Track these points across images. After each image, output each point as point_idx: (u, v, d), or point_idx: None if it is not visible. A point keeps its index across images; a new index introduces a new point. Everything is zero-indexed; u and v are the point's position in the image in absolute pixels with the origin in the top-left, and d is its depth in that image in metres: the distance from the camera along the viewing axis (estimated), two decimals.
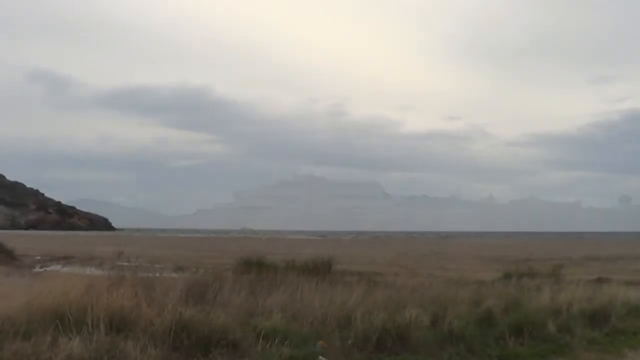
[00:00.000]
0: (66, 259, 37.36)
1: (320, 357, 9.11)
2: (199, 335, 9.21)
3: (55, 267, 30.49)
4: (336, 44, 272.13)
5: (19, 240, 52.89)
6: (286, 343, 9.39)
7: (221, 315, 9.76)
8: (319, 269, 18.22)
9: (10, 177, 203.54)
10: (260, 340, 9.30)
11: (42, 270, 28.87)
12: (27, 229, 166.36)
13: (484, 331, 11.38)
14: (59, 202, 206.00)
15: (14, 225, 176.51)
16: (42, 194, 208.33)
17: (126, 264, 13.02)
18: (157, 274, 12.25)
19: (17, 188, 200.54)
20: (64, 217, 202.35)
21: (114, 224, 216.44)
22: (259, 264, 19.51)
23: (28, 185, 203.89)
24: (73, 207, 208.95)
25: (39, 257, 39.55)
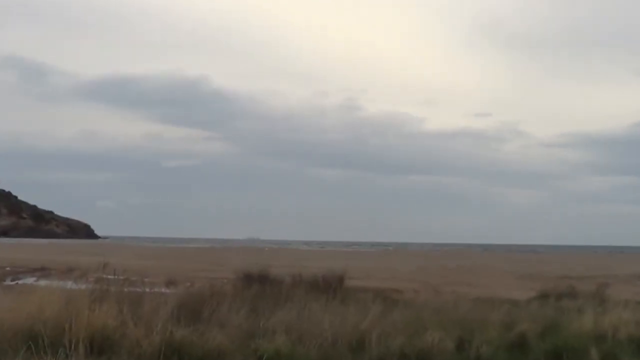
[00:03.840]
0: (42, 271, 37.60)
1: None
2: (192, 358, 9.15)
3: (29, 280, 30.64)
4: (350, 31, 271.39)
5: None
6: None
7: (218, 335, 9.74)
8: (330, 285, 18.18)
9: None
10: None
11: (13, 283, 28.97)
12: None
13: (516, 358, 11.27)
14: (35, 206, 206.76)
15: None
16: (15, 197, 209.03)
17: (111, 277, 13.02)
18: (146, 289, 12.20)
19: None
20: (40, 222, 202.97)
21: (98, 231, 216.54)
22: (261, 278, 19.50)
23: None
24: (50, 212, 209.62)
25: (10, 268, 39.74)
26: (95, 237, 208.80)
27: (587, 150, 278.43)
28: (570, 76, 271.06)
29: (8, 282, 29.29)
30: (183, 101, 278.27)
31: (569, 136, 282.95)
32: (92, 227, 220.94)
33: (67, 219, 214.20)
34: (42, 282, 23.49)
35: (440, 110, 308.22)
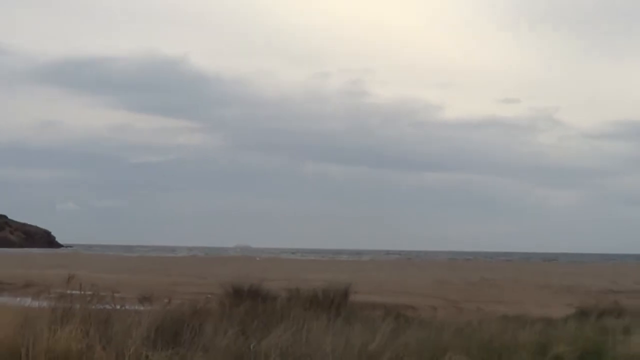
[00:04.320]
0: None
1: None
2: None
3: None
4: (354, 1, 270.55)
5: None
6: None
7: None
8: (332, 301, 18.24)
9: None
10: None
11: None
12: None
13: None
14: None
15: None
16: None
17: (75, 292, 13.07)
18: (117, 306, 12.26)
19: None
20: None
21: (59, 239, 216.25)
22: (252, 293, 19.55)
23: None
24: (3, 216, 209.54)
25: None
26: (57, 245, 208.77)
27: (638, 142, 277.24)
28: (619, 55, 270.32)
29: None
30: (157, 85, 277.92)
31: (616, 125, 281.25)
32: (53, 234, 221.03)
33: (23, 225, 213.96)
34: None
35: (461, 95, 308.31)
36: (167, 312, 12.61)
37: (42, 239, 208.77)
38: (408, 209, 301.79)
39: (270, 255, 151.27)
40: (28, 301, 17.68)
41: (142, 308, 16.06)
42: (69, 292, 13.67)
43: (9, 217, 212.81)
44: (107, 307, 12.26)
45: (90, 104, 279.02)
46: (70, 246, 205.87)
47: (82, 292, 13.07)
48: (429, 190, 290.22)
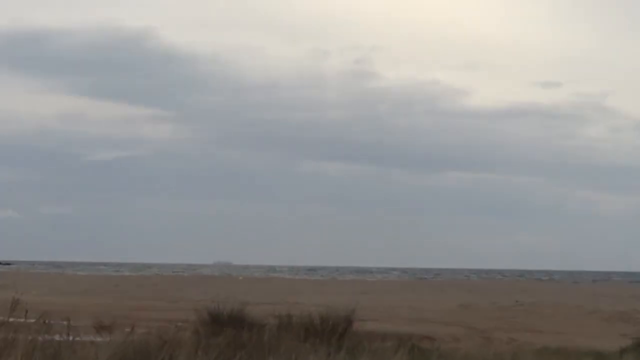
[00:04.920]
0: None
1: None
2: None
3: None
4: None
5: None
6: None
7: None
8: (332, 329, 18.24)
9: None
10: None
11: None
12: None
13: None
14: None
15: None
16: None
17: (18, 320, 13.08)
18: (69, 337, 12.22)
19: None
20: None
21: None
22: (234, 320, 19.55)
23: None
24: None
25: None
26: None
27: None
28: None
29: None
30: (118, 65, 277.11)
31: None
32: None
33: None
34: None
35: (489, 78, 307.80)
36: (130, 344, 12.59)
37: None
38: (424, 216, 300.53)
39: (256, 273, 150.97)
40: None
41: (99, 339, 16.05)
42: (10, 320, 13.65)
43: None
44: (57, 338, 12.24)
45: (35, 88, 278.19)
46: (9, 263, 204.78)
47: (26, 320, 13.06)
48: (449, 194, 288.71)
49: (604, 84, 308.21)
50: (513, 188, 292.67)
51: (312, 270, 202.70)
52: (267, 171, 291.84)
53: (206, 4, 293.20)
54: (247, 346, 13.82)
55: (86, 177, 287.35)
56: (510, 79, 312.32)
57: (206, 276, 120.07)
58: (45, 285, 65.98)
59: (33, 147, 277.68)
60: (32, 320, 13.21)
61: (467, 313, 45.01)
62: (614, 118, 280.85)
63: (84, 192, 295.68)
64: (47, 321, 15.04)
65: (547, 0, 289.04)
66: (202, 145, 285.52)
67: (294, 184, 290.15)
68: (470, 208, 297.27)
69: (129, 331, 19.30)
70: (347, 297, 50.13)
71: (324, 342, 14.78)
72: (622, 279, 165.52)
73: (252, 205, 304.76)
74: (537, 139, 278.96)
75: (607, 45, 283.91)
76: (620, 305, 53.34)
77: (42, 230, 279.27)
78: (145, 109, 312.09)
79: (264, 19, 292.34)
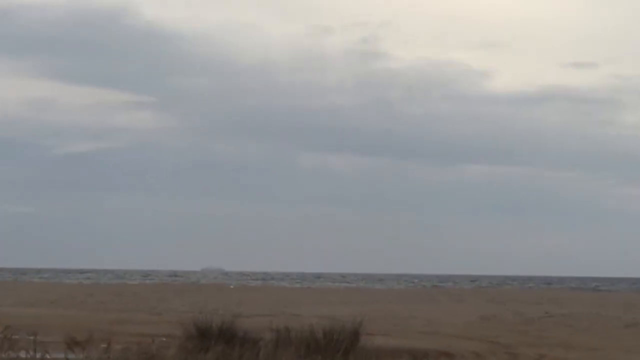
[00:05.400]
0: None
1: None
2: None
3: None
4: None
5: None
6: None
7: None
8: (337, 345, 18.46)
9: None
10: None
11: None
12: None
13: None
14: None
15: None
16: None
17: None
18: (37, 354, 12.37)
19: None
20: None
21: None
22: (225, 334, 19.77)
23: None
24: None
25: None
26: None
27: None
28: None
29: None
30: (93, 45, 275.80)
31: None
32: None
33: None
34: None
35: (514, 58, 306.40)
36: None
37: None
38: (439, 216, 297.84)
39: (250, 281, 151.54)
40: None
41: (71, 356, 16.23)
42: None
43: None
44: (23, 355, 12.42)
45: None
46: None
47: None
48: (469, 190, 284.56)
49: None
50: (542, 183, 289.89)
51: (312, 277, 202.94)
52: (262, 165, 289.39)
53: None
54: None
55: (56, 171, 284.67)
56: (537, 59, 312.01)
57: (193, 284, 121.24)
58: (8, 295, 66.37)
59: None
60: None
61: (489, 326, 45.30)
62: None
63: (54, 189, 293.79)
64: (11, 336, 15.13)
65: None
66: (188, 135, 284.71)
67: (292, 180, 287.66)
68: (492, 206, 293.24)
69: (105, 347, 19.62)
70: (353, 308, 50.40)
71: (327, 358, 15.03)
72: None
73: (245, 205, 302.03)
74: (569, 127, 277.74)
75: None
76: None
77: (4, 233, 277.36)
78: (124, 95, 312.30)
79: None
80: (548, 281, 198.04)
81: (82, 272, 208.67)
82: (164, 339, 23.34)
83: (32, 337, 15.50)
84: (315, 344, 18.72)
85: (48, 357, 13.91)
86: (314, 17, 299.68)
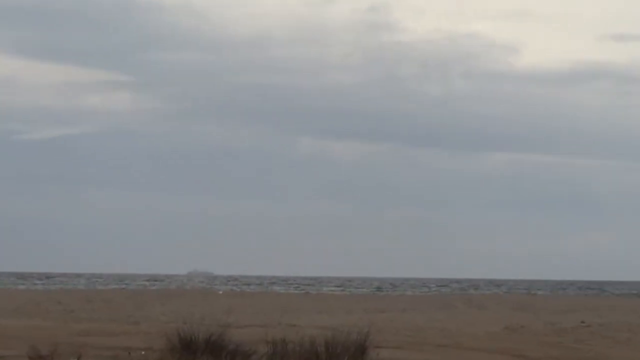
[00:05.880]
0: None
1: None
2: None
3: None
4: None
5: None
6: None
7: None
8: (340, 359, 18.25)
9: None
10: None
11: None
12: None
13: None
14: None
15: None
16: None
17: None
18: None
19: None
20: None
21: None
22: (213, 348, 19.62)
23: None
24: None
25: None
26: None
27: None
28: None
29: None
30: (61, 15, 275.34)
31: None
32: None
33: None
34: None
35: (545, 29, 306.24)
36: None
37: None
38: (459, 211, 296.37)
39: (241, 286, 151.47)
40: None
41: None
42: None
43: None
44: None
45: None
46: None
47: None
48: (494, 182, 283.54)
49: None
50: (577, 174, 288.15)
51: (313, 282, 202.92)
52: (254, 152, 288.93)
53: None
54: None
55: (18, 161, 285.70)
56: (572, 30, 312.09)
57: (177, 290, 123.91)
58: None
59: None
60: None
61: (516, 337, 45.78)
62: None
63: (15, 181, 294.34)
64: None
65: None
66: (170, 119, 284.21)
67: (288, 169, 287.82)
68: (519, 201, 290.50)
69: None
70: (359, 317, 51.52)
71: None
72: None
73: (237, 200, 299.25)
74: (610, 109, 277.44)
75: None
76: None
77: None
78: (97, 73, 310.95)
79: None
80: (584, 286, 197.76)
81: (48, 276, 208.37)
82: (143, 352, 23.39)
83: None
84: (315, 358, 18.58)
85: None
86: None
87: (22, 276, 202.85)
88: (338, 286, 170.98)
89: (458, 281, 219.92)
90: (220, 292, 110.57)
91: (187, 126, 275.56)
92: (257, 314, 56.80)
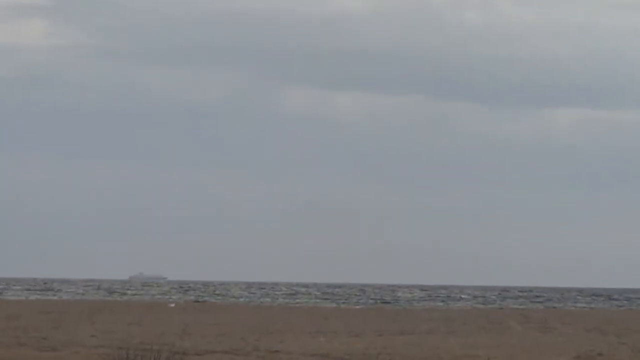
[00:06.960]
0: None
1: None
2: None
3: None
4: None
5: None
6: None
7: None
8: None
9: None
10: None
11: None
12: None
13: None
14: None
15: None
16: None
17: None
18: None
19: None
20: None
21: None
22: None
23: None
24: None
25: None
26: None
27: None
28: None
29: None
30: None
31: None
32: None
33: None
34: None
35: None
36: None
37: None
38: (497, 187, 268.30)
39: (203, 296, 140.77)
40: None
41: None
42: None
43: None
44: None
45: None
46: None
47: None
48: (550, 147, 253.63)
49: None
50: None
51: (300, 290, 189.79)
52: (225, 109, 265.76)
53: None
54: None
55: None
56: None
57: (112, 302, 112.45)
58: None
59: None
60: None
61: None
62: None
63: None
64: None
65: None
66: (104, 61, 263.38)
67: (271, 132, 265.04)
68: (584, 173, 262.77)
69: None
70: (370, 341, 46.92)
71: None
72: None
73: (197, 174, 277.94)
74: None
75: None
76: None
77: None
78: None
79: None
80: None
81: None
82: None
83: None
84: None
85: None
86: None
87: None
88: (337, 296, 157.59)
89: (505, 289, 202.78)
90: (172, 305, 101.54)
91: (125, 69, 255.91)
92: (223, 335, 51.13)
